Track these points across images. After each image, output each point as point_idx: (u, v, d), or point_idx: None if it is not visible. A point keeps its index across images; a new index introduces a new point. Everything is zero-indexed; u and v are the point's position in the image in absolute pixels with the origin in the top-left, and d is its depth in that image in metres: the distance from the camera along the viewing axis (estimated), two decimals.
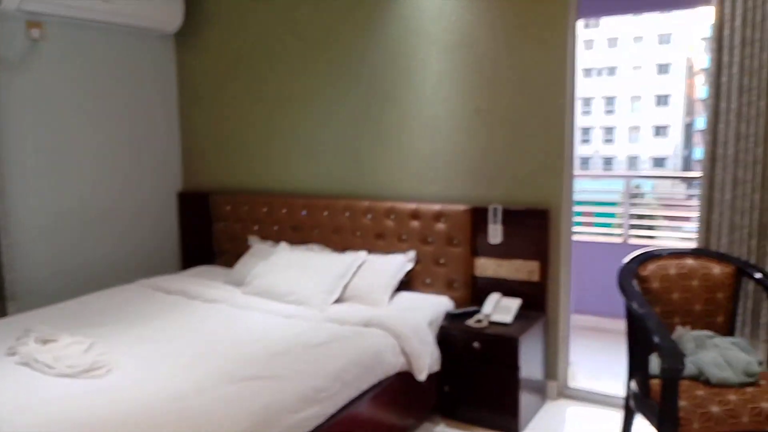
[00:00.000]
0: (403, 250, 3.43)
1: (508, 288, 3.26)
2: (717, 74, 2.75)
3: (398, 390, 2.75)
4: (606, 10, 3.61)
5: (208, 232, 4.26)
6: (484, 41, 3.28)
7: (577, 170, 3.40)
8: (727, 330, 2.56)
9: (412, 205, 3.44)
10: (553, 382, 3.28)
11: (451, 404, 3.04)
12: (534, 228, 3.20)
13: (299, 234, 3.83)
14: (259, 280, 3.36)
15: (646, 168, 37.36)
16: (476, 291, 3.34)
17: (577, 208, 5.33)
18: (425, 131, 3.49)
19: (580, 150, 38.25)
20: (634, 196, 5.25)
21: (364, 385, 2.53)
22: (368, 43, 3.61)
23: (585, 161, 38.06)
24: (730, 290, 2.55)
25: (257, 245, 3.81)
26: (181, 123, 4.45)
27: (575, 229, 4.78)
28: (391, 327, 2.78)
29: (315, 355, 2.49)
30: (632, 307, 2.30)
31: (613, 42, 38.25)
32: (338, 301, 3.20)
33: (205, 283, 3.57)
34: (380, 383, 2.63)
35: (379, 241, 3.54)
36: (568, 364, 3.38)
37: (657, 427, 2.13)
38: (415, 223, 3.43)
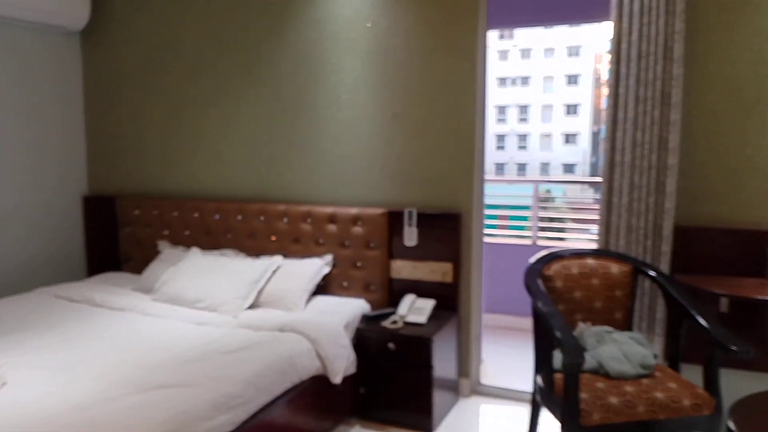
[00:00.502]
0: (319, 254, 3.42)
1: (423, 289, 3.32)
2: (615, 85, 2.91)
3: (313, 394, 2.73)
4: (513, 21, 3.75)
5: (115, 238, 4.09)
6: (400, 48, 3.33)
7: (492, 175, 3.52)
8: (626, 325, 2.72)
9: (329, 209, 3.44)
10: (465, 380, 3.37)
11: (367, 406, 3.06)
12: (447, 231, 3.27)
13: (212, 239, 3.74)
14: (168, 287, 3.25)
15: (557, 174, 39.10)
16: (392, 293, 3.38)
17: (492, 212, 5.54)
18: (342, 135, 3.50)
19: (495, 156, 39.63)
20: (546, 200, 5.48)
21: (279, 390, 2.50)
22: (281, 46, 3.59)
23: (501, 167, 39.37)
24: (627, 288, 2.71)
25: (167, 250, 3.69)
26: (87, 124, 4.25)
27: (489, 231, 4.96)
28: (306, 331, 2.77)
29: (227, 362, 2.44)
30: (537, 305, 2.39)
31: (526, 53, 39.83)
32: (253, 306, 3.16)
33: (111, 290, 3.43)
34: (295, 388, 2.61)
35: (295, 246, 3.51)
36: (480, 361, 3.48)
37: (560, 420, 2.23)
38: (332, 227, 3.43)
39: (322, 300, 3.27)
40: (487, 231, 4.99)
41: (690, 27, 2.84)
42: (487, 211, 5.50)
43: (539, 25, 3.77)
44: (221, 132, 3.82)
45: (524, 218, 5.76)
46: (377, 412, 3.05)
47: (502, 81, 39.91)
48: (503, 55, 39.77)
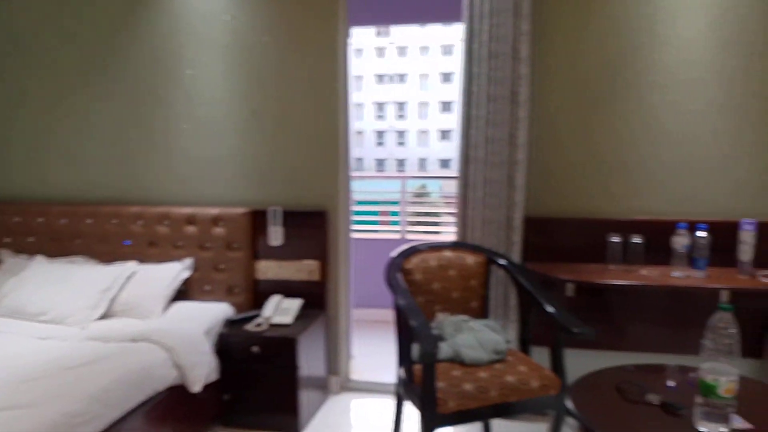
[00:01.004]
0: (178, 258, 3.27)
1: (290, 289, 3.28)
2: (468, 83, 3.02)
3: (172, 404, 2.60)
4: (375, 19, 3.78)
5: None
6: (260, 43, 3.25)
7: (372, 171, 3.54)
8: (482, 313, 2.83)
9: (187, 210, 3.30)
10: (335, 377, 3.37)
11: (232, 412, 2.97)
12: (314, 228, 3.25)
13: (59, 245, 3.45)
14: (9, 299, 2.98)
15: (434, 169, 40.38)
16: (258, 294, 3.31)
17: (372, 208, 5.60)
18: (200, 133, 3.37)
19: (376, 152, 40.21)
20: (421, 195, 5.63)
21: (131, 404, 2.36)
22: (134, 39, 3.39)
23: (381, 162, 40.02)
24: (482, 278, 2.82)
25: (9, 260, 3.37)
26: None
27: (362, 227, 5.00)
28: (162, 340, 2.63)
29: (71, 378, 2.26)
30: (396, 298, 2.43)
31: (403, 51, 40.71)
32: (105, 316, 2.96)
33: None
34: (150, 400, 2.47)
35: (151, 249, 3.33)
36: (350, 358, 3.49)
37: (419, 409, 2.28)
38: (191, 229, 3.29)
39: (182, 306, 3.12)
40: (359, 227, 5.05)
41: (536, 29, 3.00)
42: (366, 207, 5.59)
43: (401, 23, 3.83)
44: (68, 131, 3.54)
45: (397, 213, 5.90)
46: (243, 418, 2.96)
47: (380, 78, 40.58)
48: (381, 52, 40.42)
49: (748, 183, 2.93)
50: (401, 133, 41.05)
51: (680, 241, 2.82)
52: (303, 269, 3.27)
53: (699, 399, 1.70)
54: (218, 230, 3.25)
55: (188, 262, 3.24)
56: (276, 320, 3.05)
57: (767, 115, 2.86)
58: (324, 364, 3.28)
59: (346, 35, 3.25)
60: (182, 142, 3.39)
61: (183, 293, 3.22)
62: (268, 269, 3.30)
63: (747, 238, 2.79)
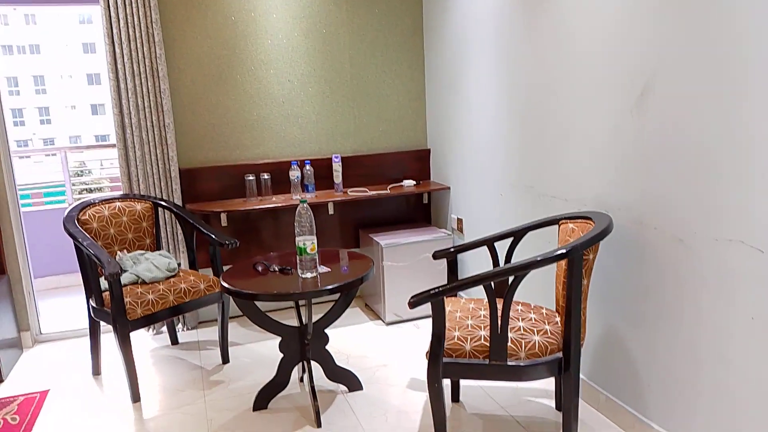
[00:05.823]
0: None
1: None
2: (114, 62, 3.59)
3: None
4: None
5: None
6: None
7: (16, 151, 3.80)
8: (155, 247, 3.55)
9: None
10: (27, 333, 3.73)
11: None
12: None
13: None
14: None
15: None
16: None
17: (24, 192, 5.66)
18: None
19: (16, 132, 35.41)
20: (80, 174, 5.85)
21: None
22: None
23: (23, 143, 35.53)
24: (151, 220, 3.53)
25: None
26: None
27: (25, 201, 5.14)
28: None
29: None
30: (77, 242, 3.00)
31: (32, 18, 36.22)
32: None
33: None
34: None
35: None
36: (38, 315, 3.85)
37: (112, 323, 2.92)
38: None
39: None
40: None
41: (164, 17, 3.71)
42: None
43: (26, 3, 4.00)
44: None
45: (60, 193, 6.05)
46: None
47: (8, 49, 35.51)
48: (4, 19, 35.26)
49: (333, 130, 4.17)
50: (44, 110, 36.87)
51: (294, 174, 3.92)
52: None
53: (298, 259, 2.75)
54: None
55: None
56: None
57: (340, 85, 4.11)
58: (13, 323, 3.61)
59: None
60: None
61: None
62: None
63: (337, 167, 4.03)
